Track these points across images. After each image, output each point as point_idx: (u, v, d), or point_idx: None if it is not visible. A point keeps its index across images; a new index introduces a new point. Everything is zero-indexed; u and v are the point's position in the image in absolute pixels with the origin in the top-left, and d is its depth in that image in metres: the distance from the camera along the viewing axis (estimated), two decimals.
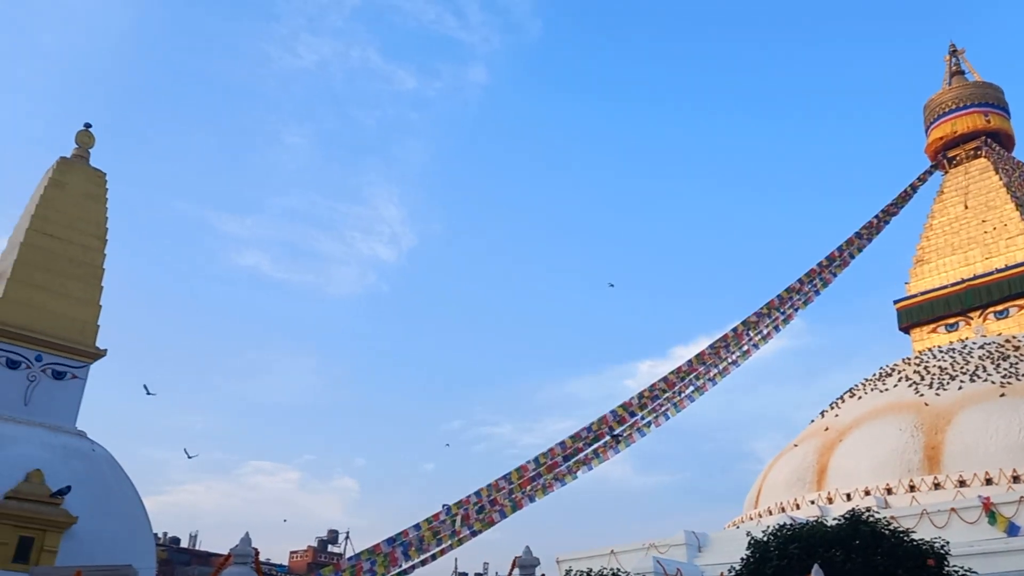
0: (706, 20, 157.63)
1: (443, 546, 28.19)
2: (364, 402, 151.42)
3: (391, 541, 26.52)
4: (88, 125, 27.95)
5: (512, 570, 18.93)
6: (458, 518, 28.20)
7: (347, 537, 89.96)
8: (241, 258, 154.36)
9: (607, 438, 31.66)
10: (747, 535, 21.91)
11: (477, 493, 29.01)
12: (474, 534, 28.84)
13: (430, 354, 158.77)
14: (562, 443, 30.92)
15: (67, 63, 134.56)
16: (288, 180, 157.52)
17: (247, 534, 16.07)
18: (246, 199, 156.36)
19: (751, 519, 38.50)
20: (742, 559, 20.55)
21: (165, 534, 76.70)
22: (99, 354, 24.77)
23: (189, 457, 38.24)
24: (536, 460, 30.28)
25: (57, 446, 22.20)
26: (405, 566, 26.79)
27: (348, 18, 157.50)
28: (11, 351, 23.08)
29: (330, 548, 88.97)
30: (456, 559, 67.18)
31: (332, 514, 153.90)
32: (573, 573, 23.56)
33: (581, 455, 31.34)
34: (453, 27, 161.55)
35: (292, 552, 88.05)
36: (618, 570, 24.31)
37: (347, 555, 71.34)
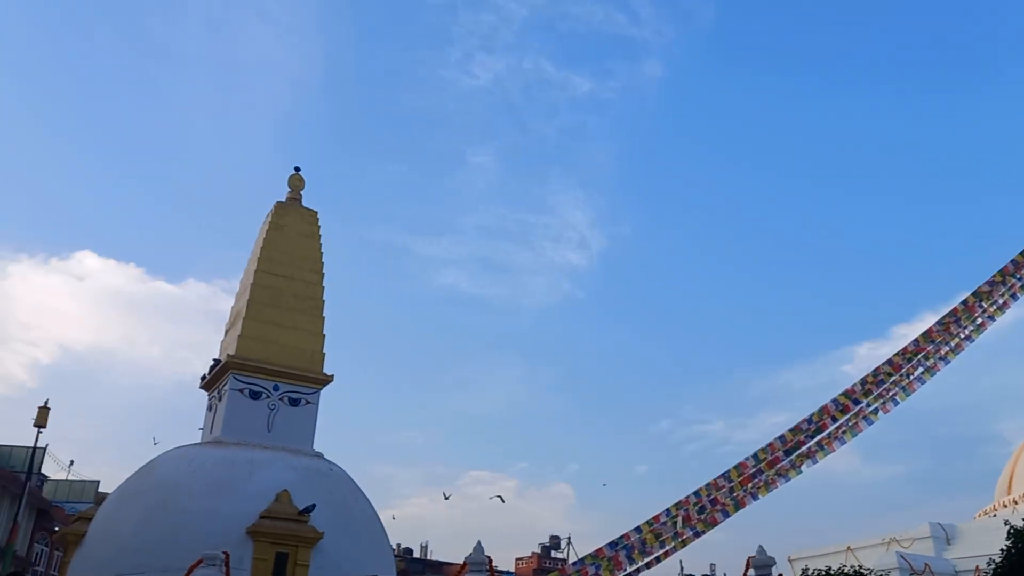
0: None
1: (666, 548, 27.73)
2: (572, 408, 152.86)
3: (614, 545, 26.39)
4: (297, 169, 30.15)
5: (747, 571, 18.35)
6: (679, 519, 27.70)
7: (569, 542, 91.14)
8: (441, 278, 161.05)
9: (830, 429, 29.97)
10: (1005, 524, 20.08)
11: (696, 493, 28.31)
12: (697, 535, 28.11)
13: (632, 355, 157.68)
14: (782, 437, 29.53)
15: (273, 114, 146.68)
16: (477, 197, 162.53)
17: (479, 543, 16.50)
18: (440, 221, 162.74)
19: (1005, 507, 35.20)
20: (1002, 550, 18.88)
21: (399, 545, 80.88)
22: (327, 380, 26.64)
23: (446, 498, 39.68)
24: (755, 456, 29.14)
25: (300, 468, 23.97)
26: (630, 570, 26.59)
27: (518, 32, 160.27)
28: (252, 383, 25.35)
29: (553, 554, 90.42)
30: (681, 561, 65.90)
31: (552, 520, 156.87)
32: (810, 572, 22.51)
33: (804, 448, 29.84)
34: (623, 24, 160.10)
35: (518, 559, 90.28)
36: (859, 567, 22.98)
37: (571, 560, 72.13)
